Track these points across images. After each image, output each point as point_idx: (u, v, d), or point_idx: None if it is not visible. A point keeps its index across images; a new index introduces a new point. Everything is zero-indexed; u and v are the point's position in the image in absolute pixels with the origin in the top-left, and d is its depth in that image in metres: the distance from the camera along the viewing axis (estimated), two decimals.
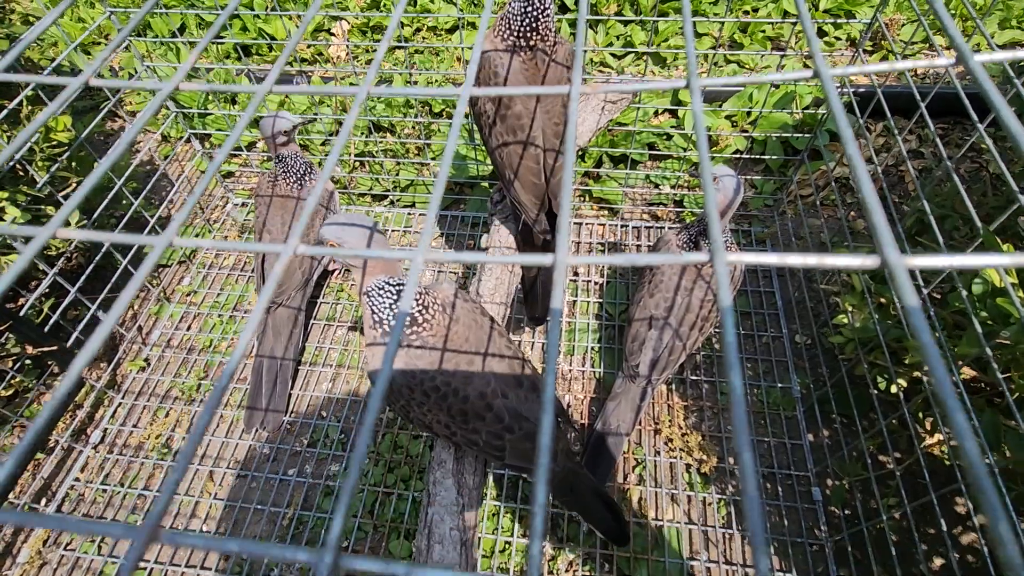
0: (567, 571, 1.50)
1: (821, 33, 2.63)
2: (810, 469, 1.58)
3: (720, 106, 2.33)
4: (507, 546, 1.54)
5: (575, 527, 1.55)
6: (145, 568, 1.54)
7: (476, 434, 1.01)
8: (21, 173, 1.53)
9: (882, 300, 1.35)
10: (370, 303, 0.95)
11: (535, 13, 1.17)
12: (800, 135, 2.07)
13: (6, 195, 1.44)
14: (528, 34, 1.20)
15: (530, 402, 1.07)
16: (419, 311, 0.96)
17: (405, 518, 1.59)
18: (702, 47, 2.63)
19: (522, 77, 1.23)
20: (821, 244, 2.01)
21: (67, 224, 1.67)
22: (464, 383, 0.97)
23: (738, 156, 2.15)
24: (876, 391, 1.32)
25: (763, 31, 2.64)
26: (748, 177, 2.11)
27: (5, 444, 1.69)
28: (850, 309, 1.37)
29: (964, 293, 1.03)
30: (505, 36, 1.23)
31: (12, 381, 1.70)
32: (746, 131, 2.31)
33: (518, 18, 1.18)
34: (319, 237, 0.95)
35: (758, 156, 2.23)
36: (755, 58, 2.57)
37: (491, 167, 2.27)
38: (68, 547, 1.60)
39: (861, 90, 2.05)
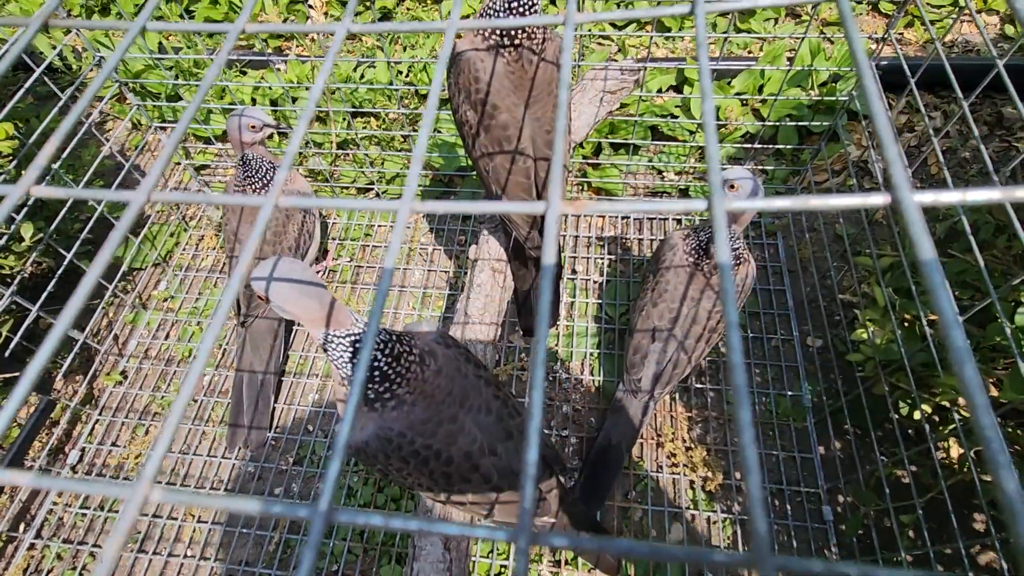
0: None
1: None
2: (821, 486, 1.50)
3: (729, 83, 2.15)
4: (503, 570, 1.48)
5: (570, 552, 1.49)
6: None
7: (462, 495, 0.92)
8: None
9: (907, 317, 1.23)
10: (330, 358, 0.84)
11: (520, 6, 1.01)
12: (816, 119, 1.91)
13: None
14: (512, 30, 1.04)
15: (520, 454, 0.97)
16: (390, 364, 0.85)
17: (396, 541, 1.53)
18: (710, 16, 2.42)
19: (507, 81, 1.08)
20: (837, 236, 1.87)
21: (30, 219, 1.55)
22: (447, 443, 0.87)
23: (749, 144, 1.99)
24: (897, 415, 1.22)
25: None
26: (760, 166, 1.96)
27: None
28: (871, 326, 1.26)
29: (1008, 327, 0.91)
30: (486, 33, 1.07)
31: None
32: (757, 111, 2.14)
33: (500, 13, 1.02)
34: (253, 287, 0.82)
35: (770, 142, 2.07)
36: (767, 26, 2.36)
37: None
38: (49, 575, 1.55)
39: (884, 63, 1.87)
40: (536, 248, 1.27)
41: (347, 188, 2.21)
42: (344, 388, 0.87)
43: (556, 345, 1.81)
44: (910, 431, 1.49)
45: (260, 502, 0.26)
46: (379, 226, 2.12)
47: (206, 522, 1.59)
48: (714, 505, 1.52)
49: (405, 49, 2.50)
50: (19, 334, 1.51)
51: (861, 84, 0.27)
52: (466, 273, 1.98)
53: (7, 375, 1.50)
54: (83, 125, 1.80)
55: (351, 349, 0.81)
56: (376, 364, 0.83)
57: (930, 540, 1.10)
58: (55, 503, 1.64)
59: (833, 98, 1.74)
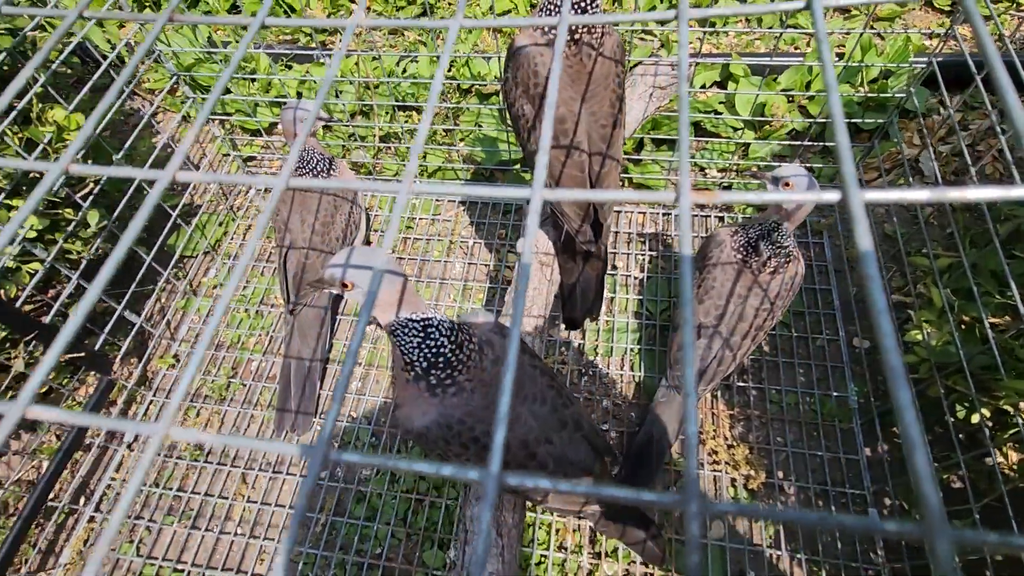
0: None
1: None
2: (867, 487, 1.48)
3: (776, 79, 2.12)
4: (543, 559, 1.49)
5: (613, 542, 1.50)
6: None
7: None
8: (37, 176, 1.47)
9: (965, 319, 1.20)
10: (398, 343, 0.86)
11: (583, 3, 1.02)
12: (867, 116, 1.87)
13: (23, 202, 1.38)
14: (572, 26, 1.05)
15: (575, 443, 0.99)
16: (454, 351, 0.87)
17: (438, 527, 1.56)
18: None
19: (566, 75, 1.09)
20: (886, 236, 1.84)
21: (79, 184, 1.62)
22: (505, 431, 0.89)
23: (796, 142, 1.96)
24: (952, 419, 1.20)
25: None
26: (807, 164, 1.93)
27: (44, 445, 1.70)
28: (927, 328, 1.23)
29: None
30: (545, 28, 1.08)
31: (47, 380, 1.70)
32: (804, 108, 2.10)
33: (560, 8, 1.03)
34: (327, 276, 0.85)
35: (817, 140, 2.03)
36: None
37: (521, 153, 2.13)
38: (109, 547, 1.62)
39: (939, 59, 1.82)
40: (587, 242, 1.28)
41: (389, 180, 2.25)
42: (407, 375, 0.89)
43: (596, 340, 1.82)
44: (960, 436, 1.46)
45: (429, 464, 0.28)
46: (420, 219, 2.15)
47: (255, 502, 1.65)
48: (756, 503, 1.51)
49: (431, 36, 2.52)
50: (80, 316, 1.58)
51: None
52: (507, 267, 2.00)
53: (71, 355, 1.57)
54: (141, 118, 1.87)
55: (423, 334, 0.83)
56: (442, 351, 0.85)
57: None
58: (113, 479, 1.71)
59: (886, 95, 1.70)
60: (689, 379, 0.26)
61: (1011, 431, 1.07)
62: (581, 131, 1.16)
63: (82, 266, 1.56)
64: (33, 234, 1.42)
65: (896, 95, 1.67)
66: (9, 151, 1.35)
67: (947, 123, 1.94)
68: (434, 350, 0.84)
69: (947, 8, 2.31)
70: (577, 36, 1.07)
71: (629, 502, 0.25)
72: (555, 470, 0.93)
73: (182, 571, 1.56)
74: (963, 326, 1.20)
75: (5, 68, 1.41)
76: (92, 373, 1.89)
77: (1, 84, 1.48)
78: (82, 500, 1.69)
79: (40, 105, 1.44)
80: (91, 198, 1.56)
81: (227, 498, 1.66)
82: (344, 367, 0.29)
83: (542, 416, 0.94)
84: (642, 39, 2.43)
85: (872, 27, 2.29)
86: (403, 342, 0.84)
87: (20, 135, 1.37)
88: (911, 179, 1.98)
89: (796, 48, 2.30)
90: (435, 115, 2.29)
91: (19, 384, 1.64)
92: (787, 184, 1.30)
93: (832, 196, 0.30)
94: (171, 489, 1.68)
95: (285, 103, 1.66)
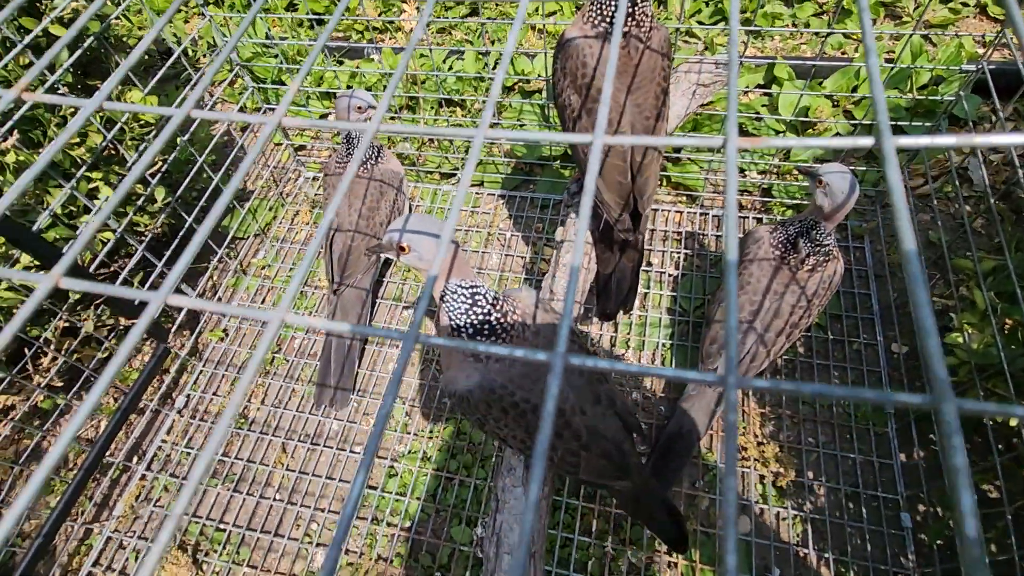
0: (629, 574, 1.47)
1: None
2: (900, 492, 1.47)
3: (820, 83, 2.11)
4: (568, 543, 1.52)
5: (638, 530, 1.52)
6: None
7: (553, 450, 0.98)
8: (112, 153, 1.59)
9: (1008, 322, 1.19)
10: (447, 309, 0.92)
11: (631, 3, 1.06)
12: (914, 121, 1.86)
13: (100, 175, 1.49)
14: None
15: (607, 419, 1.02)
16: (499, 320, 0.92)
17: (467, 505, 1.60)
18: (803, 14, 2.38)
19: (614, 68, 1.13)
20: (930, 243, 1.81)
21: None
22: (543, 400, 0.93)
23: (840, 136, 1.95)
24: (991, 422, 1.18)
25: None
26: (850, 167, 1.91)
27: (104, 405, 1.81)
28: (969, 330, 1.22)
29: None
30: (595, 21, 1.12)
31: (108, 345, 1.82)
32: (849, 112, 2.09)
33: (611, 1, 1.07)
34: (386, 240, 0.91)
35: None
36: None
37: (562, 149, 2.17)
38: (157, 503, 1.72)
39: (992, 67, 1.79)
40: (625, 231, 1.32)
41: (431, 173, 2.32)
42: (447, 332, 0.94)
43: (629, 334, 1.84)
44: (1000, 446, 1.43)
45: (505, 348, 0.32)
46: (460, 210, 2.21)
47: (293, 471, 1.72)
48: (784, 501, 1.51)
49: (494, 43, 2.59)
50: (146, 286, 1.70)
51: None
52: (543, 259, 2.04)
53: (135, 320, 1.68)
54: (202, 107, 1.98)
55: (470, 300, 0.88)
56: (487, 318, 0.90)
57: (1018, 549, 1.07)
58: (164, 441, 1.82)
59: (935, 98, 1.69)
60: (731, 327, 0.30)
61: None
62: (625, 122, 1.19)
63: (146, 239, 1.67)
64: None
65: (945, 99, 1.65)
66: (92, 128, 1.47)
67: (991, 134, 1.91)
68: (480, 316, 0.89)
69: (1001, 16, 2.26)
70: (626, 29, 1.11)
71: (671, 378, 0.29)
72: (588, 441, 0.97)
73: (223, 530, 1.65)
74: (1005, 330, 1.19)
75: (91, 51, 1.53)
76: (148, 342, 2.01)
77: (89, 63, 1.60)
78: (135, 459, 1.79)
79: (120, 87, 1.55)
80: (158, 176, 1.67)
81: (267, 465, 1.74)
82: (416, 312, 0.33)
83: (578, 387, 0.98)
84: (686, 41, 2.44)
85: (923, 32, 2.25)
86: (451, 307, 0.89)
87: (101, 112, 1.49)
88: (959, 186, 1.95)
89: (843, 52, 2.28)
90: (479, 109, 2.35)
91: (85, 348, 1.77)
92: (820, 181, 1.30)
93: (866, 141, 0.33)
94: (216, 454, 1.77)
95: (337, 94, 1.75)
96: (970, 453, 1.44)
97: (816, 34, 2.36)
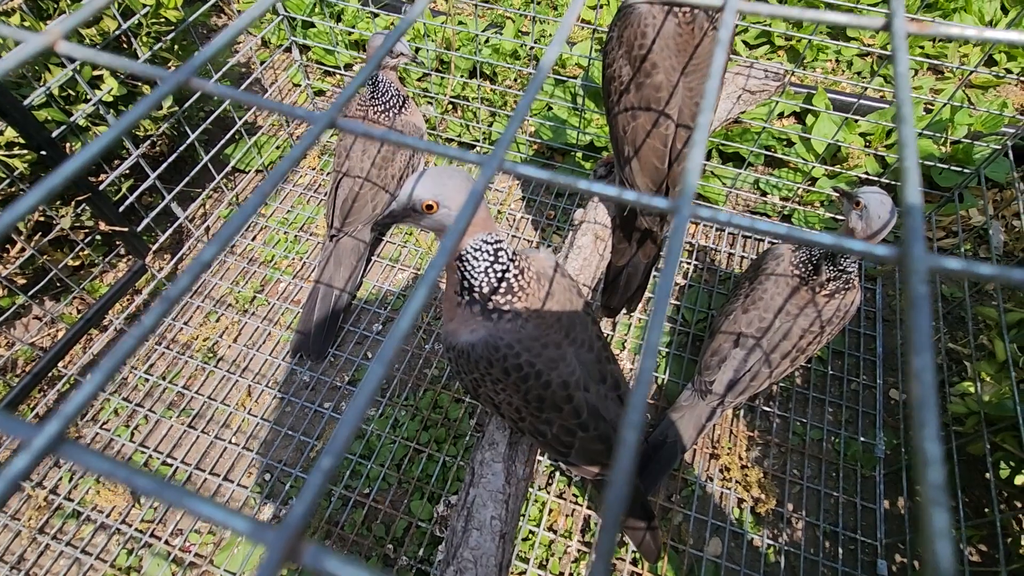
0: None
1: (990, 63, 2.31)
2: (880, 538, 1.42)
3: (856, 121, 2.08)
4: (531, 535, 1.45)
5: None
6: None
7: (547, 425, 0.90)
8: (125, 46, 1.49)
9: None
10: (463, 265, 0.83)
11: None
12: (943, 175, 1.83)
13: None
14: None
15: (609, 401, 0.95)
16: (516, 276, 0.85)
17: (432, 480, 1.52)
18: (848, 52, 2.36)
19: (673, 43, 1.07)
20: (943, 297, 1.78)
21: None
22: (549, 367, 0.86)
23: (866, 176, 1.92)
24: (994, 478, 1.14)
25: (920, 46, 2.34)
26: None
27: (64, 313, 1.70)
28: (986, 378, 1.18)
29: None
30: None
31: (81, 253, 1.71)
32: (882, 158, 2.06)
33: None
34: (405, 200, 0.81)
35: (888, 188, 1.99)
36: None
37: (589, 138, 2.11)
38: (104, 426, 1.61)
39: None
40: (651, 216, 1.25)
41: (451, 140, 2.25)
42: (461, 299, 0.86)
43: (627, 335, 1.78)
44: (1000, 505, 1.39)
45: (535, 170, 0.25)
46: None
47: (256, 416, 1.63)
48: (761, 529, 1.45)
49: (535, 22, 2.53)
50: (135, 195, 1.59)
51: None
52: (549, 246, 1.98)
53: (116, 228, 1.58)
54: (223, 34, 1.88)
55: (493, 256, 0.81)
56: (506, 275, 0.83)
57: None
58: (122, 363, 1.70)
59: (966, 157, 1.66)
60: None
61: None
62: (674, 103, 1.13)
63: (143, 146, 1.57)
64: (110, 98, 1.42)
65: (979, 158, 1.62)
66: (107, 12, 1.37)
67: (1017, 200, 1.89)
68: (500, 273, 0.82)
69: None
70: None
71: (625, 202, 0.24)
72: (587, 420, 0.90)
73: (170, 465, 1.54)
74: (1022, 385, 1.15)
75: None
76: (125, 259, 1.90)
77: None
78: (88, 376, 1.68)
79: None
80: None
81: (229, 406, 1.64)
82: (420, 286, 0.24)
83: (586, 363, 0.91)
84: (729, 58, 2.41)
85: (965, 92, 2.24)
86: (471, 264, 0.82)
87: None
88: (977, 246, 1.93)
89: (883, 96, 2.26)
90: (509, 85, 2.29)
91: (58, 252, 1.65)
92: (858, 203, 1.26)
93: (886, 252, 0.23)
94: (177, 385, 1.67)
95: (374, 31, 1.67)
96: (964, 504, 1.40)
97: (858, 74, 2.34)
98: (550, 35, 2.26)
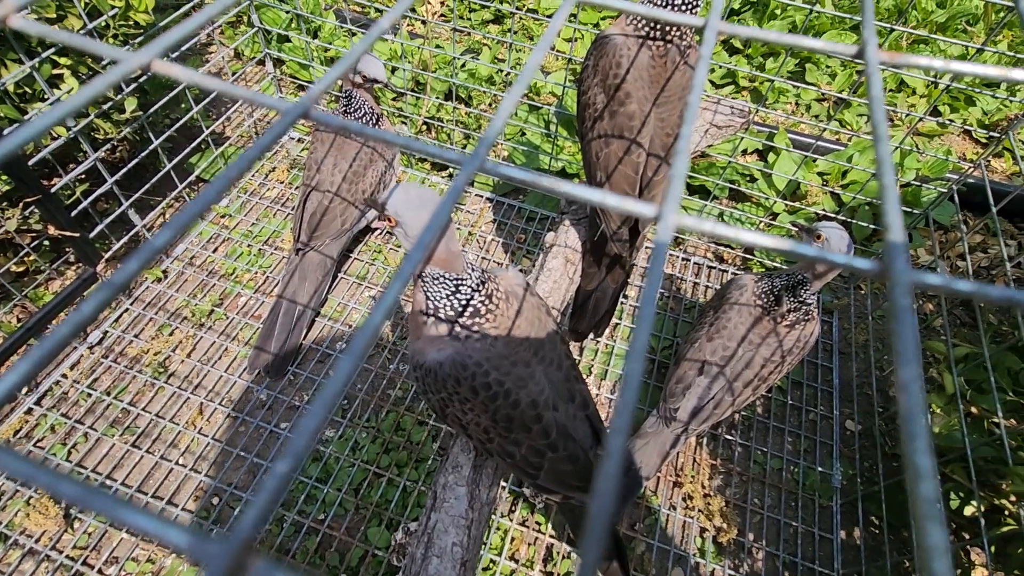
0: None
1: (935, 113, 2.47)
2: (836, 569, 1.43)
3: (814, 160, 2.18)
4: (492, 565, 1.41)
5: (568, 564, 1.42)
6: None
7: (516, 446, 0.89)
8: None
9: (973, 410, 1.20)
10: (424, 288, 0.83)
11: (682, 3, 1.04)
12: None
13: (69, 62, 1.34)
14: (667, 25, 1.07)
15: (578, 420, 0.94)
16: (483, 301, 0.84)
17: (391, 506, 1.47)
18: (806, 96, 2.48)
19: (646, 73, 1.10)
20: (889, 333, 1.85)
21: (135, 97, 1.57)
22: (518, 386, 0.84)
23: (823, 213, 2.00)
24: (945, 509, 1.17)
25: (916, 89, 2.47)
26: None
27: (3, 322, 1.60)
28: (936, 410, 1.22)
29: None
30: (638, 23, 1.10)
31: (26, 259, 1.62)
32: (837, 195, 2.16)
33: (657, 4, 1.05)
34: (384, 206, 0.82)
35: (844, 225, 2.08)
36: (859, 121, 2.41)
37: (561, 165, 2.14)
38: (39, 444, 1.50)
39: (970, 181, 1.89)
40: (621, 243, 1.27)
41: (423, 161, 2.25)
42: (427, 319, 0.85)
43: (593, 361, 1.78)
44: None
45: (527, 172, 0.25)
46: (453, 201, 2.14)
47: (207, 436, 1.55)
48: (723, 560, 1.45)
49: (511, 49, 2.58)
50: (89, 199, 1.53)
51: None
52: (519, 270, 1.98)
53: (66, 233, 1.50)
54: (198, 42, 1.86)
55: (453, 287, 0.81)
56: (470, 302, 0.82)
57: None
58: (64, 376, 1.61)
59: (919, 198, 1.75)
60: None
61: (1004, 528, 1.05)
62: (646, 132, 1.16)
63: (102, 150, 1.51)
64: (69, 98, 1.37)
65: (936, 192, 1.71)
66: (73, 10, 1.32)
67: (961, 242, 2.01)
68: (463, 301, 0.82)
69: (984, 140, 2.43)
70: (669, 37, 1.09)
71: (608, 207, 0.24)
72: (556, 440, 0.88)
73: (109, 488, 1.45)
74: (969, 418, 1.19)
75: None
76: (74, 266, 1.81)
77: None
78: (25, 389, 1.57)
79: None
80: (133, 85, 1.53)
81: (178, 424, 1.56)
82: (380, 307, 0.22)
83: (555, 381, 0.90)
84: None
85: (912, 139, 2.38)
86: (432, 290, 0.81)
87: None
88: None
89: (838, 139, 2.38)
90: (484, 109, 2.31)
91: (2, 255, 1.56)
92: (818, 237, 1.31)
93: (868, 265, 0.24)
94: (122, 401, 1.58)
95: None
96: (907, 541, 1.43)
97: (816, 117, 2.46)
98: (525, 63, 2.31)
